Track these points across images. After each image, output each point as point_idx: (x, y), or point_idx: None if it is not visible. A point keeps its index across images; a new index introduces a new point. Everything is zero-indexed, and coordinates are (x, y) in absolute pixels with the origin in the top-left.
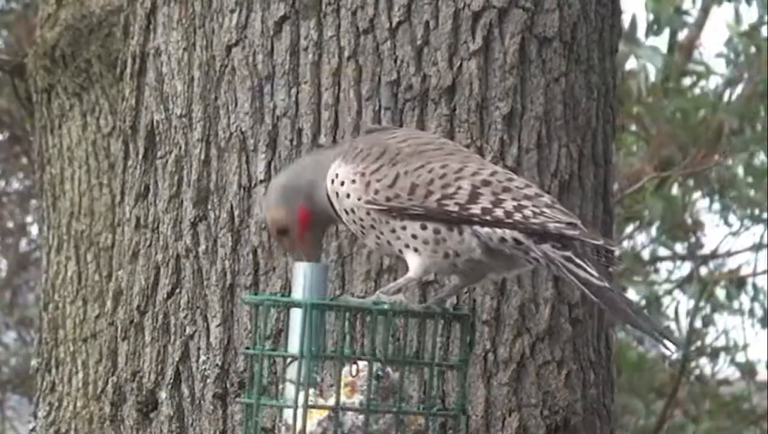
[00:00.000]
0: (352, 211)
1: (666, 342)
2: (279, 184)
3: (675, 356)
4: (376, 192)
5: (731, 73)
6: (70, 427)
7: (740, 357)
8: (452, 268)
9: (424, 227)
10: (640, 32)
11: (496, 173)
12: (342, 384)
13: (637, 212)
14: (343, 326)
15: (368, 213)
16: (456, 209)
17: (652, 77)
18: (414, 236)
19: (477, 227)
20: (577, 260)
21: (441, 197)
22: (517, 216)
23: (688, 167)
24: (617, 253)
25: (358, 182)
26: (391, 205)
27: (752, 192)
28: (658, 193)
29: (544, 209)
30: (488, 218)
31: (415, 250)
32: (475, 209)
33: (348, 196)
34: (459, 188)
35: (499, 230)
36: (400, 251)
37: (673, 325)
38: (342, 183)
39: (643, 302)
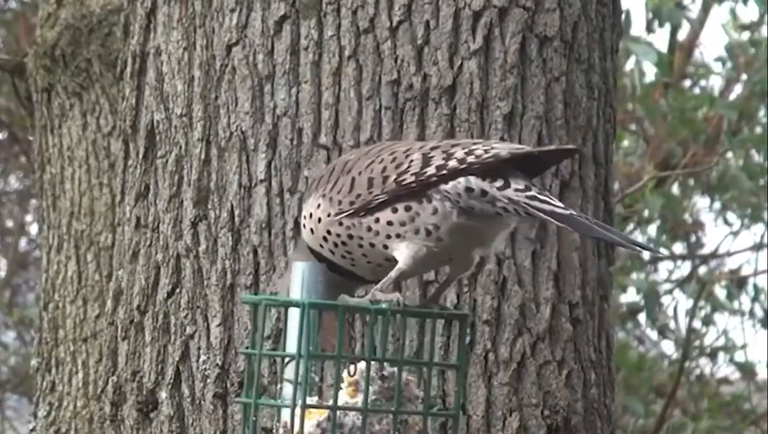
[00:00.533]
0: (328, 232)
1: (641, 248)
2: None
3: (675, 353)
4: (340, 203)
5: (728, 74)
6: (70, 427)
7: (740, 357)
8: (437, 244)
9: (395, 210)
10: (638, 30)
11: (444, 140)
12: (345, 384)
13: (637, 212)
14: (342, 325)
15: (340, 223)
16: (413, 178)
17: (652, 75)
18: (390, 223)
19: (441, 186)
20: (541, 197)
21: (397, 175)
22: (470, 159)
23: (688, 166)
24: (576, 149)
25: (323, 204)
26: (356, 206)
27: (751, 191)
28: (657, 191)
29: (494, 144)
30: (444, 172)
31: (398, 236)
32: (430, 170)
33: (319, 221)
34: (411, 161)
35: (461, 180)
36: (385, 247)
37: (672, 324)
38: (310, 215)
39: (643, 302)
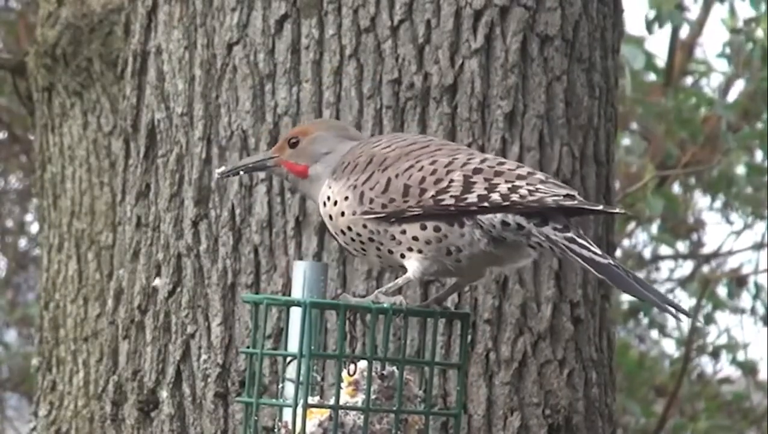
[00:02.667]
0: (349, 229)
1: (678, 311)
2: (332, 144)
3: (676, 352)
4: (371, 201)
5: (730, 72)
6: (71, 426)
7: (741, 356)
8: (454, 264)
9: (423, 227)
10: (638, 30)
11: (486, 160)
12: (345, 383)
13: (638, 211)
14: (343, 325)
15: (365, 226)
16: (452, 201)
17: (653, 75)
18: (415, 238)
19: (478, 216)
20: (580, 241)
21: (435, 193)
22: (514, 197)
23: (689, 165)
24: (619, 211)
25: (350, 196)
26: (387, 211)
27: (751, 190)
28: (658, 191)
29: (539, 186)
30: (486, 204)
31: (419, 252)
32: (471, 198)
33: (342, 214)
34: (451, 180)
35: (499, 214)
36: (402, 256)
37: (673, 323)
38: (335, 203)
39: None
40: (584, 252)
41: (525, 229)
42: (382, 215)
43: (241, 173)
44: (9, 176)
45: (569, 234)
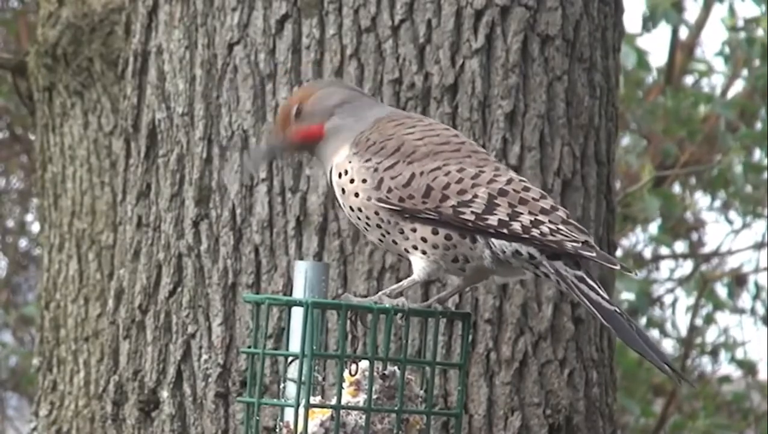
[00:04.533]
0: (359, 210)
1: (678, 377)
2: (341, 95)
3: (675, 352)
4: (389, 190)
5: (728, 70)
6: (72, 426)
7: (741, 355)
8: (459, 272)
9: (435, 232)
10: (635, 28)
11: (511, 181)
12: (347, 383)
13: (636, 211)
14: (344, 325)
15: (377, 213)
16: (472, 218)
17: (653, 75)
18: (424, 239)
19: (492, 239)
20: (589, 281)
21: (457, 204)
22: (534, 232)
23: (689, 164)
24: (629, 269)
25: (369, 179)
26: (404, 206)
27: (750, 188)
28: (655, 190)
29: (561, 226)
30: (505, 231)
31: (423, 252)
32: (492, 220)
33: (357, 195)
34: (475, 196)
35: (515, 243)
36: (406, 250)
37: (673, 322)
38: (352, 180)
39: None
40: (592, 294)
41: (536, 259)
42: (397, 208)
43: (253, 170)
44: (10, 175)
45: (579, 273)
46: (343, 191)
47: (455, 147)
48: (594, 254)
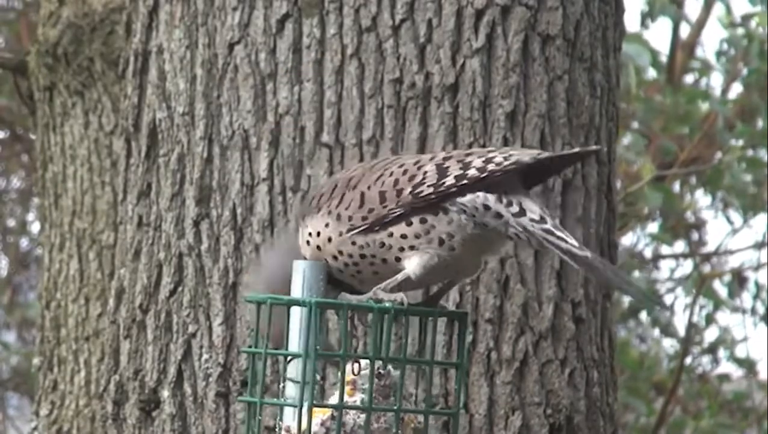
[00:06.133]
0: (339, 253)
1: (654, 303)
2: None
3: (674, 351)
4: (350, 219)
5: (725, 67)
6: (72, 426)
7: (741, 354)
8: (449, 253)
9: (409, 223)
10: (633, 26)
11: (453, 150)
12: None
13: (638, 209)
14: (345, 324)
15: (353, 243)
16: (431, 190)
17: (652, 73)
18: (404, 236)
19: (459, 199)
20: (557, 232)
21: (412, 188)
22: (491, 166)
23: (688, 163)
24: (595, 148)
25: (331, 223)
26: (369, 221)
27: (751, 183)
28: (655, 185)
29: (512, 152)
30: (465, 182)
31: (411, 247)
32: (449, 181)
33: (330, 240)
34: (425, 172)
35: (480, 195)
36: (398, 259)
37: (674, 322)
38: (318, 234)
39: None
40: (562, 244)
41: (503, 218)
42: (366, 226)
43: None
44: (10, 175)
45: (546, 226)
46: (319, 247)
47: (386, 159)
48: (550, 153)
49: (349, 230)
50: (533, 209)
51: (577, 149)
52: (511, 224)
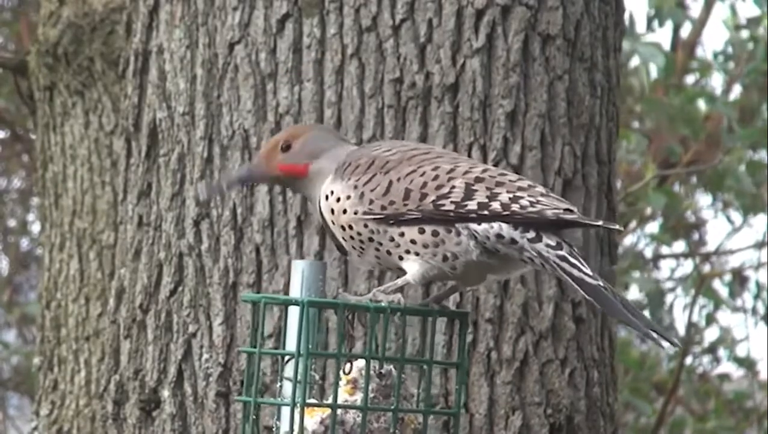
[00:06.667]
0: (349, 227)
1: (663, 340)
2: (329, 142)
3: (673, 351)
4: (371, 202)
5: (725, 68)
6: (73, 426)
7: (741, 353)
8: (451, 271)
9: (422, 231)
10: (640, 28)
11: (487, 170)
12: (344, 382)
13: (639, 209)
14: (342, 324)
15: (366, 225)
16: (452, 207)
17: (654, 74)
18: (413, 241)
19: (473, 225)
20: (572, 259)
21: (436, 198)
22: (514, 207)
23: (690, 164)
24: (617, 228)
25: (353, 196)
26: (387, 213)
27: (751, 186)
28: (659, 189)
29: (540, 198)
30: (485, 212)
31: (416, 254)
32: (471, 205)
33: (344, 211)
34: (453, 187)
35: (495, 225)
36: (400, 258)
37: (674, 322)
38: (337, 199)
39: (645, 300)
40: (574, 272)
41: (518, 244)
42: (381, 216)
43: (225, 189)
44: (11, 175)
45: (561, 252)
46: (333, 211)
47: (425, 151)
48: (575, 217)
49: (365, 213)
50: (550, 237)
51: (600, 222)
52: (526, 249)
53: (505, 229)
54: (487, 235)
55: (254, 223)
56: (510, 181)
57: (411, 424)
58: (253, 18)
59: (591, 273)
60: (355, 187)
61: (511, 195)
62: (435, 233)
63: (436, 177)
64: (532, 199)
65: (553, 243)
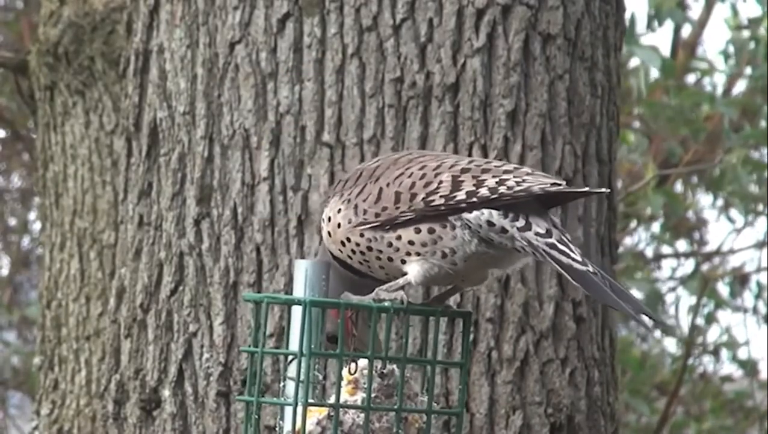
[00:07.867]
0: (348, 240)
1: (655, 323)
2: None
3: (676, 351)
4: (365, 212)
5: (730, 69)
6: (73, 425)
7: (742, 354)
8: (452, 267)
9: (417, 231)
10: (639, 28)
11: (473, 161)
12: (345, 382)
13: (639, 210)
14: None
15: (362, 235)
16: (442, 201)
17: (655, 74)
18: (411, 242)
19: (465, 214)
20: (560, 247)
21: (426, 195)
22: (502, 189)
23: (691, 164)
24: (603, 191)
25: (344, 208)
26: (381, 219)
27: (755, 185)
28: (659, 189)
29: (526, 177)
30: (474, 199)
31: (417, 254)
32: (460, 196)
33: (339, 226)
34: (440, 182)
35: (486, 211)
36: (402, 261)
37: (673, 322)
38: (329, 219)
39: (645, 301)
40: (563, 258)
41: (508, 233)
42: (376, 223)
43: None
44: (11, 174)
45: (550, 240)
46: (330, 234)
47: (412, 154)
48: (561, 187)
49: (360, 224)
50: (540, 224)
51: (586, 189)
52: (517, 238)
53: (495, 216)
54: (479, 222)
55: (255, 222)
56: (495, 167)
57: (415, 423)
58: (253, 17)
59: (580, 259)
60: (348, 201)
61: (497, 179)
62: (431, 231)
63: (423, 176)
64: (518, 179)
65: (542, 231)
